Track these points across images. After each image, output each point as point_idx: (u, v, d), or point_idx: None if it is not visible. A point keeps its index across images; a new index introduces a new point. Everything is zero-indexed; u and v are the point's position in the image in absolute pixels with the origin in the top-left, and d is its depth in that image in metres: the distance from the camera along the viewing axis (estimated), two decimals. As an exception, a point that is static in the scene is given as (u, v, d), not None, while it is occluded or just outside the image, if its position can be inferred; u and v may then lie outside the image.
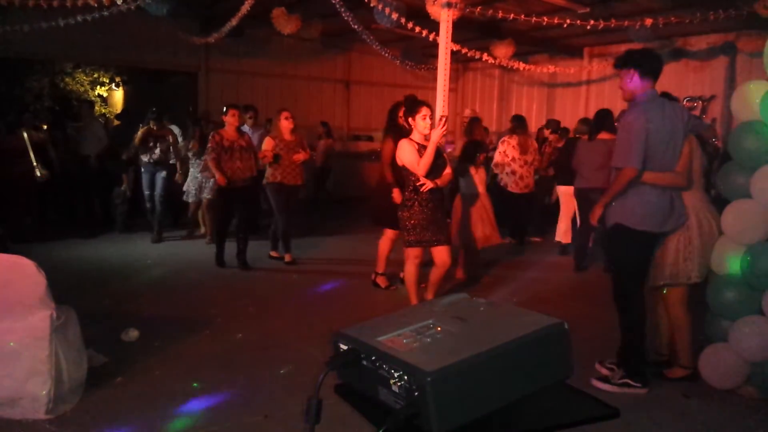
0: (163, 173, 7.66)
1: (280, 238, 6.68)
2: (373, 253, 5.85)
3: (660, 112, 3.40)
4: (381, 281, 5.75)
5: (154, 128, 7.62)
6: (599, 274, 6.41)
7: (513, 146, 7.54)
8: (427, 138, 4.53)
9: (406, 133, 4.67)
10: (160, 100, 14.50)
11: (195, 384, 3.52)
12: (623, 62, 3.50)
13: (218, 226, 6.59)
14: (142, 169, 7.69)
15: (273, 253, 6.84)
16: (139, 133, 7.59)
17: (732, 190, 3.63)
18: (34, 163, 7.21)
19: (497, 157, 7.65)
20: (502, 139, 7.86)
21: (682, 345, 3.76)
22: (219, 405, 3.28)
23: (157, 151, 7.59)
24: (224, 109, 6.34)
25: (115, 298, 5.24)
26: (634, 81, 3.45)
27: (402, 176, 4.72)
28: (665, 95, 3.79)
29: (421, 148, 4.49)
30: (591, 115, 11.99)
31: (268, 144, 6.33)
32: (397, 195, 5.05)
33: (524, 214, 7.95)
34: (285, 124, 6.34)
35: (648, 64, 3.44)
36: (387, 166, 5.29)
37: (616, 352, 3.75)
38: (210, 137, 6.24)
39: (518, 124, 7.76)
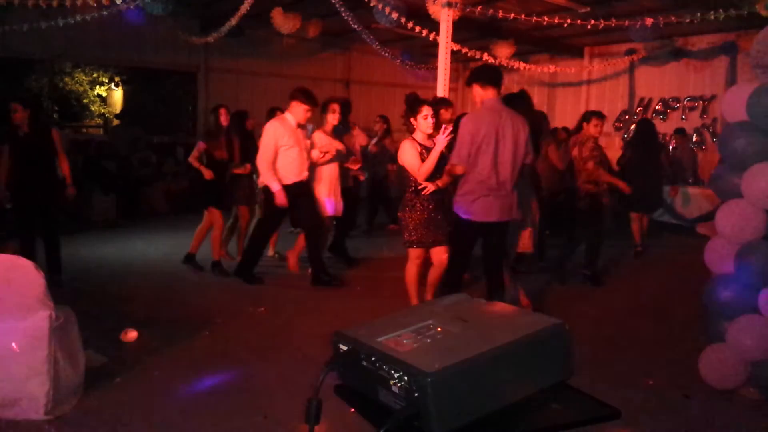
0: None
1: None
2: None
3: (488, 118, 3.99)
4: None
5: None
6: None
7: None
8: (430, 137, 4.52)
9: None
10: (160, 100, 14.52)
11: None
12: (468, 81, 4.17)
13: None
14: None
15: None
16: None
17: (724, 190, 3.66)
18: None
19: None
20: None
21: None
22: (219, 405, 3.27)
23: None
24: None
25: (114, 298, 5.23)
26: (476, 92, 4.10)
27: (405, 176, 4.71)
28: (511, 96, 4.53)
29: (424, 149, 4.47)
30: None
31: None
32: None
33: None
34: None
35: (485, 76, 4.06)
36: None
37: None
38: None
39: None
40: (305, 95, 5.41)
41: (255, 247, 5.71)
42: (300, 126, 5.50)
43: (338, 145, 5.79)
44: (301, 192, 5.45)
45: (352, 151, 6.20)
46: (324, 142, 5.68)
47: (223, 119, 6.03)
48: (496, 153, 4.00)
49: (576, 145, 5.90)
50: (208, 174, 5.90)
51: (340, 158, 5.86)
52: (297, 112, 5.39)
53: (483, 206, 4.08)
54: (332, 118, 5.82)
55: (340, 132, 6.03)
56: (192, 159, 6.07)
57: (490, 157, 4.00)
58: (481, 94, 4.07)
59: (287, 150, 5.33)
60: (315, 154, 5.58)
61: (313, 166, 5.65)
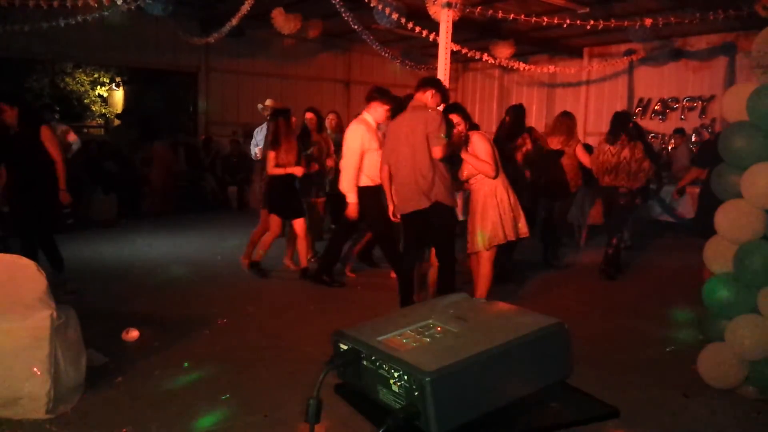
0: None
1: None
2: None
3: (400, 118, 4.48)
4: None
5: None
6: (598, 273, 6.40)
7: None
8: None
9: None
10: (161, 100, 14.52)
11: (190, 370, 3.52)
12: None
13: None
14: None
15: None
16: None
17: (724, 190, 3.66)
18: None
19: None
20: None
21: None
22: (219, 405, 3.28)
23: None
24: None
25: (115, 298, 5.24)
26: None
27: None
28: (452, 108, 4.71)
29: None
30: (591, 114, 12.02)
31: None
32: None
33: None
34: None
35: (420, 83, 4.49)
36: None
37: None
38: None
39: None
40: (385, 95, 5.28)
41: (332, 251, 5.71)
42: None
43: None
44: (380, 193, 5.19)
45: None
46: None
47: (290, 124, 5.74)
48: (410, 148, 4.30)
49: (626, 146, 6.00)
50: (299, 170, 5.66)
51: None
52: (378, 112, 5.23)
53: (401, 198, 4.46)
54: None
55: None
56: (272, 169, 5.65)
57: (399, 152, 4.37)
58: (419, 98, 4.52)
59: (374, 152, 5.08)
60: None
61: None
